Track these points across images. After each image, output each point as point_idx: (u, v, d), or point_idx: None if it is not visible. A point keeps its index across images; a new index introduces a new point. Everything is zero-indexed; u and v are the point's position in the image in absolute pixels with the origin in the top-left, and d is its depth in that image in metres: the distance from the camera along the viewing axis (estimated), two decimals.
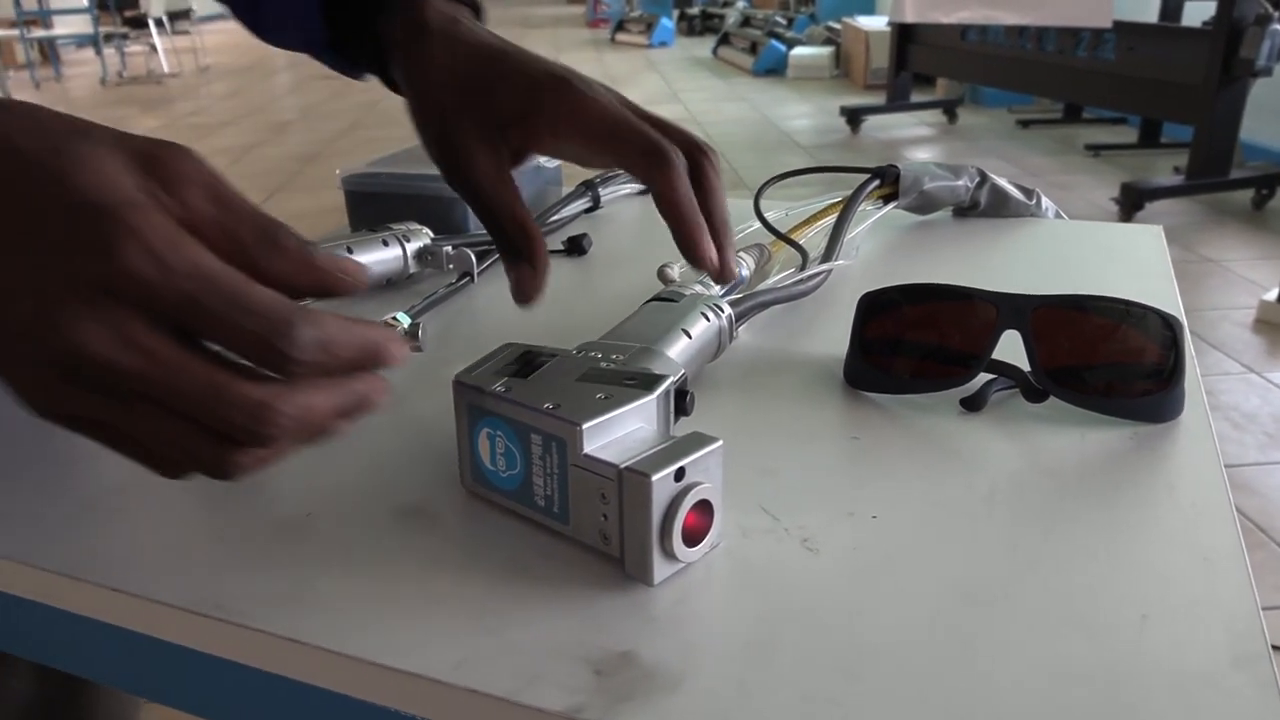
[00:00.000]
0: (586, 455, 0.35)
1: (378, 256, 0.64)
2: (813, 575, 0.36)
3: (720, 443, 0.36)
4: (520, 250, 0.47)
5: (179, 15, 9.15)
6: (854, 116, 5.20)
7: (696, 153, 0.45)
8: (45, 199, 0.29)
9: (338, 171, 0.76)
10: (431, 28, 0.49)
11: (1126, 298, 0.46)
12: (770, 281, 0.58)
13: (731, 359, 0.53)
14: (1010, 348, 0.47)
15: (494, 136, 0.47)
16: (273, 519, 0.40)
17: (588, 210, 0.82)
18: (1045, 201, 0.80)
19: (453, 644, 0.33)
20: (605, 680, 0.31)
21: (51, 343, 0.28)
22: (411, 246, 0.66)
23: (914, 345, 0.50)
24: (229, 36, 9.99)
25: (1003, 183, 0.77)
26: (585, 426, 0.35)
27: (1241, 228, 3.30)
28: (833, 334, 0.58)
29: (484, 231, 0.77)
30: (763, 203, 0.68)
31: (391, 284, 0.66)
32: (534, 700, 0.30)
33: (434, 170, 0.78)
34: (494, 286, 0.69)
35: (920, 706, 0.30)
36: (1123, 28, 3.67)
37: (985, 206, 0.77)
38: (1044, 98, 5.22)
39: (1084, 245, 0.73)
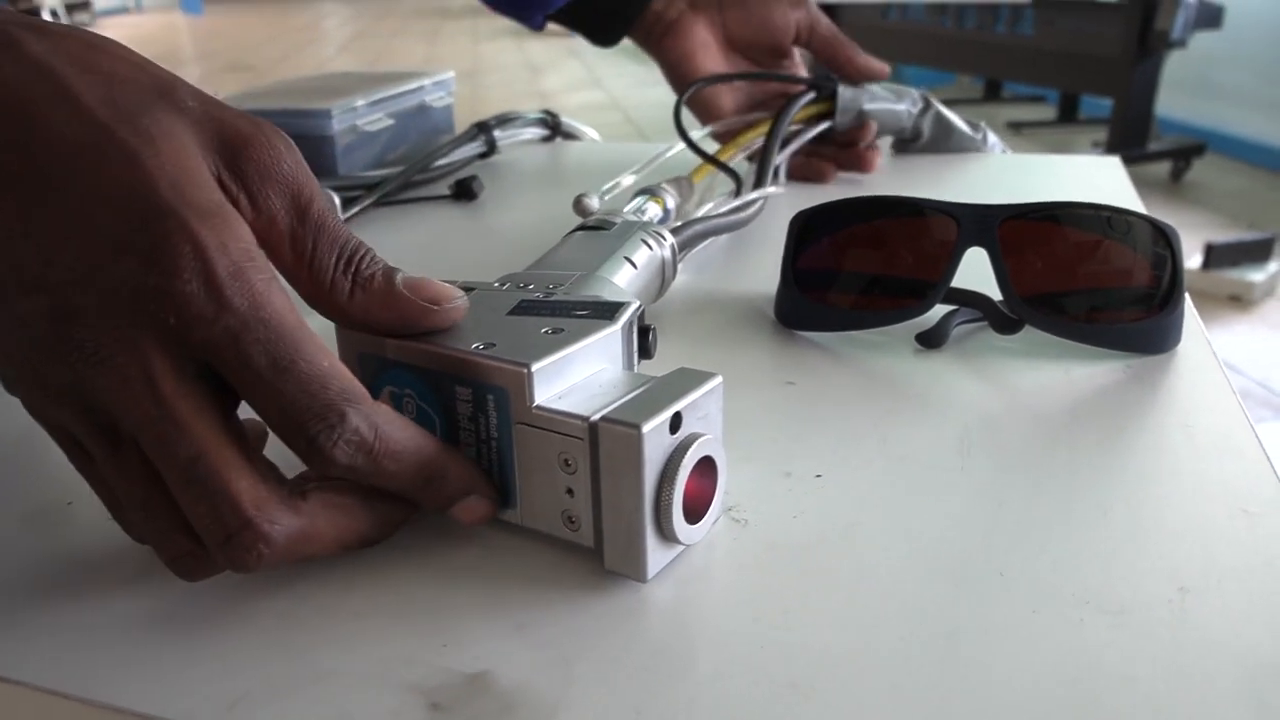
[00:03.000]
0: (540, 408, 0.26)
1: None
2: (741, 553, 0.27)
3: (719, 379, 0.27)
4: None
5: (77, 7, 8.75)
6: None
7: None
8: (109, 179, 0.23)
9: None
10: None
11: (1112, 204, 0.38)
12: (706, 209, 0.49)
13: None
14: (971, 272, 0.39)
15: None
16: (21, 507, 0.30)
17: (481, 156, 0.72)
18: (991, 137, 0.72)
19: (227, 676, 0.23)
20: (444, 718, 0.22)
21: (59, 350, 0.22)
22: None
23: (859, 272, 0.41)
24: (131, 30, 9.57)
25: (947, 112, 0.69)
26: (535, 368, 0.26)
27: (1161, 199, 3.31)
28: (757, 270, 0.49)
29: (355, 174, 0.67)
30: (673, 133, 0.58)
31: None
32: None
33: (297, 104, 0.68)
34: (363, 233, 0.58)
35: None
36: (1041, 2, 3.67)
37: (928, 139, 0.68)
38: (965, 74, 5.24)
39: (1041, 178, 0.65)
